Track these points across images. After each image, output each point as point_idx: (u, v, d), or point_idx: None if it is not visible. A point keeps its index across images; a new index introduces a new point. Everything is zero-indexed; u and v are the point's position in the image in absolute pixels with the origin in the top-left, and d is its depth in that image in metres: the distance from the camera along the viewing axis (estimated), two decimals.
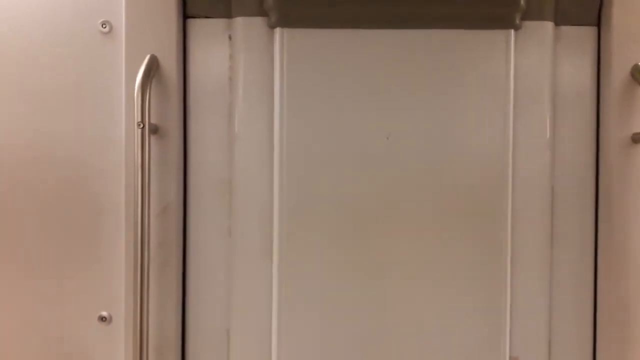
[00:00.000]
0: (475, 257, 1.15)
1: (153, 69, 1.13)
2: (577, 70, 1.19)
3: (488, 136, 1.15)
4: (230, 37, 1.19)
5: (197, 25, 1.20)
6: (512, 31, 1.14)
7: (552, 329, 1.17)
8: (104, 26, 1.17)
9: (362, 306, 1.16)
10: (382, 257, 1.15)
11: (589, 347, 1.19)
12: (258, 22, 1.16)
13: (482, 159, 1.15)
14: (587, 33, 1.19)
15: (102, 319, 1.18)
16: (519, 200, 1.15)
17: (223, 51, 1.19)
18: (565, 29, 1.18)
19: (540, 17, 1.16)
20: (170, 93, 1.16)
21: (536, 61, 1.16)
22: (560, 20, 1.17)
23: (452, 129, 1.15)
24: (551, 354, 1.17)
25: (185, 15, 1.19)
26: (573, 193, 1.18)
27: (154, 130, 1.15)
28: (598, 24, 1.19)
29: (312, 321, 1.16)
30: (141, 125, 1.08)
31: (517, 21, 1.14)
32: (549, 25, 1.16)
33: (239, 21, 1.17)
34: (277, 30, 1.15)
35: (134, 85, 1.09)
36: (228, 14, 1.18)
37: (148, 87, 1.10)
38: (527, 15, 1.15)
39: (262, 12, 1.16)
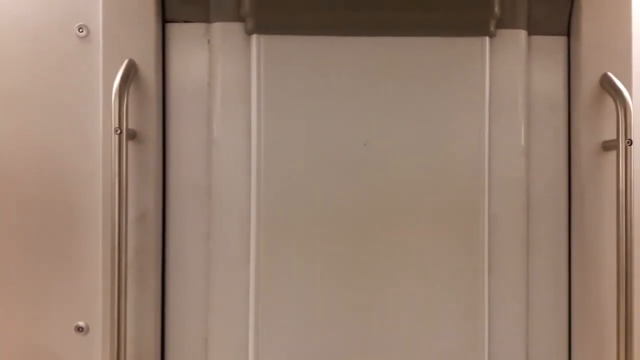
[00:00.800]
0: (453, 263, 1.16)
1: (131, 74, 1.11)
2: (548, 79, 1.22)
3: (464, 142, 1.17)
4: (209, 42, 1.18)
5: (176, 30, 1.19)
6: (487, 38, 1.17)
7: (529, 332, 1.19)
8: (80, 30, 1.15)
9: (340, 311, 1.16)
10: (360, 262, 1.16)
11: (565, 348, 1.21)
12: (236, 27, 1.16)
13: (458, 165, 1.16)
14: (557, 42, 1.22)
15: (79, 329, 1.15)
16: (496, 206, 1.17)
17: (202, 56, 1.18)
18: (537, 38, 1.21)
19: (514, 25, 1.18)
20: (148, 98, 1.15)
21: (510, 69, 1.18)
22: (532, 29, 1.20)
23: (429, 135, 1.16)
24: (529, 356, 1.19)
25: (164, 19, 1.18)
26: (547, 199, 1.21)
27: (132, 135, 1.13)
28: (568, 34, 1.22)
29: (290, 326, 1.16)
30: (118, 131, 1.07)
31: (492, 28, 1.17)
32: (522, 33, 1.19)
33: (217, 26, 1.16)
34: (254, 36, 1.15)
35: (112, 90, 1.07)
36: (207, 19, 1.17)
37: (126, 92, 1.08)
38: (501, 23, 1.17)
39: (239, 18, 1.16)
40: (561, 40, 1.22)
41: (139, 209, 1.15)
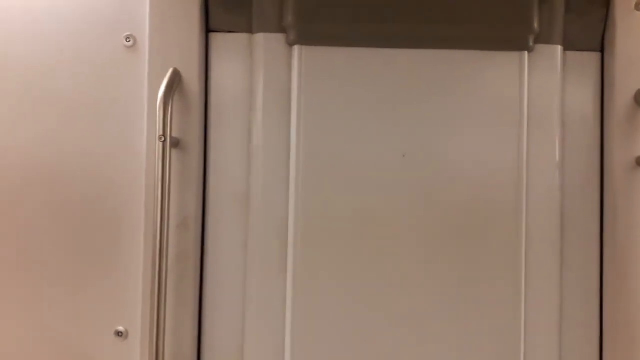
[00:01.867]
0: (490, 277, 1.17)
1: (175, 83, 1.13)
2: (582, 95, 1.22)
3: (502, 156, 1.17)
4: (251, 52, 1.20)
5: (220, 40, 1.20)
6: (526, 53, 1.18)
7: (562, 346, 1.19)
8: (128, 40, 1.17)
9: (377, 323, 1.16)
10: (396, 274, 1.16)
11: None
12: (278, 38, 1.18)
13: (496, 179, 1.17)
14: (591, 58, 1.23)
15: (119, 333, 1.16)
16: (532, 222, 1.18)
17: (244, 66, 1.19)
18: (571, 54, 1.22)
19: (551, 41, 1.19)
20: (192, 107, 1.17)
21: (547, 84, 1.19)
22: (567, 45, 1.21)
23: (467, 148, 1.17)
24: None
25: (208, 29, 1.20)
26: (580, 214, 1.21)
27: (175, 143, 1.14)
28: (602, 50, 1.23)
29: (327, 338, 1.16)
30: (162, 139, 1.08)
31: (531, 43, 1.18)
32: (558, 49, 1.20)
33: (260, 37, 1.18)
34: (296, 47, 1.17)
35: (157, 99, 1.09)
36: (250, 30, 1.19)
37: (170, 101, 1.10)
38: (539, 39, 1.18)
39: (282, 29, 1.17)
40: (595, 56, 1.23)
41: (181, 216, 1.16)
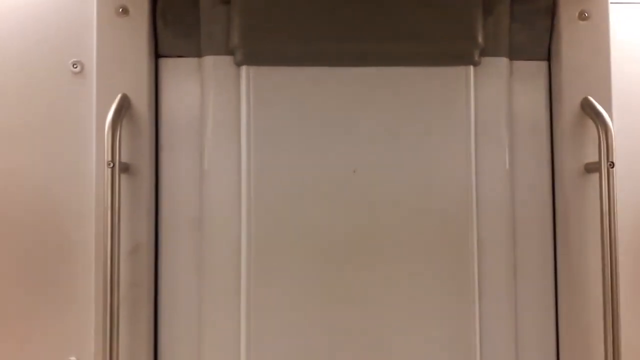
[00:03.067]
0: (443, 287, 1.18)
1: (124, 108, 1.13)
2: (530, 103, 1.24)
3: (452, 168, 1.19)
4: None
5: (169, 64, 1.21)
6: (472, 67, 1.20)
7: (518, 354, 1.20)
8: (75, 66, 1.17)
9: (332, 339, 1.16)
10: (351, 290, 1.17)
11: None
12: (226, 60, 1.18)
13: (446, 190, 1.18)
14: (538, 67, 1.25)
15: None
16: (483, 230, 1.19)
17: (194, 90, 1.20)
18: (518, 64, 1.24)
19: (497, 53, 1.22)
20: (141, 131, 1.16)
21: (494, 95, 1.21)
22: (513, 55, 1.23)
23: (417, 162, 1.19)
24: None
25: (157, 54, 1.20)
26: (532, 221, 1.23)
27: (125, 169, 1.14)
28: (548, 59, 1.25)
29: (282, 357, 1.15)
30: (111, 165, 1.08)
31: (476, 57, 1.20)
32: (504, 60, 1.22)
33: (208, 59, 1.18)
34: (243, 67, 1.17)
35: (104, 124, 1.08)
36: (198, 53, 1.19)
37: (119, 126, 1.09)
38: (485, 52, 1.21)
39: (229, 51, 1.18)
40: (542, 65, 1.25)
41: (132, 242, 1.15)
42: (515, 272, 1.21)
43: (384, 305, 1.17)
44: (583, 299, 1.20)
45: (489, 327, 1.18)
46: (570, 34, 1.22)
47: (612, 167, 1.13)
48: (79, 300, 1.16)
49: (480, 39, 1.19)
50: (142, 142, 1.16)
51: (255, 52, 1.17)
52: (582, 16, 1.22)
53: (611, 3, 1.24)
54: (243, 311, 1.15)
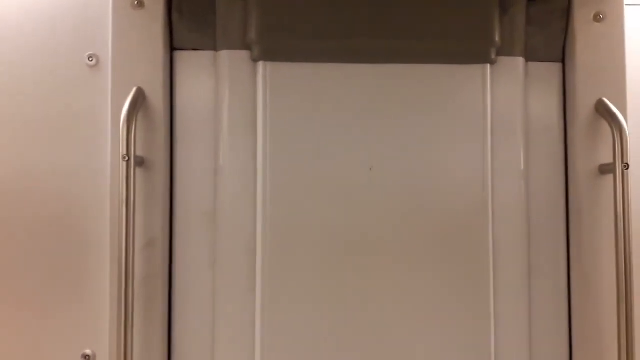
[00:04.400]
0: (458, 287, 1.18)
1: (139, 102, 1.12)
2: (545, 105, 1.24)
3: (467, 167, 1.19)
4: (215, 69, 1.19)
5: (184, 58, 1.20)
6: (488, 66, 1.20)
7: (532, 354, 1.20)
8: (90, 59, 1.17)
9: (346, 336, 1.16)
10: (366, 288, 1.17)
11: None
12: (242, 55, 1.18)
13: (462, 189, 1.18)
14: (553, 69, 1.25)
15: (86, 357, 1.14)
16: (499, 230, 1.19)
17: (209, 83, 1.19)
18: (533, 65, 1.24)
19: (513, 53, 1.22)
20: (156, 125, 1.16)
21: (509, 95, 1.21)
22: (529, 56, 1.24)
23: (432, 160, 1.18)
24: None
25: (173, 47, 1.20)
26: (546, 222, 1.23)
27: (140, 162, 1.13)
28: (563, 61, 1.25)
29: (297, 353, 1.15)
30: (126, 158, 1.07)
31: (493, 56, 1.20)
32: (520, 60, 1.22)
33: (224, 54, 1.18)
34: (260, 63, 1.17)
35: (120, 118, 1.08)
36: (214, 47, 1.19)
37: (134, 120, 1.09)
38: (501, 51, 1.21)
39: (246, 46, 1.18)
40: (557, 66, 1.25)
41: (147, 235, 1.15)
42: (529, 272, 1.21)
43: (398, 304, 1.17)
44: (596, 300, 1.20)
45: (502, 327, 1.18)
46: (585, 35, 1.22)
47: (627, 169, 1.14)
48: (94, 294, 1.15)
49: (496, 38, 1.19)
50: (157, 135, 1.16)
51: (273, 49, 1.17)
52: (597, 18, 1.22)
53: (626, 5, 1.24)
54: (258, 305, 1.15)
